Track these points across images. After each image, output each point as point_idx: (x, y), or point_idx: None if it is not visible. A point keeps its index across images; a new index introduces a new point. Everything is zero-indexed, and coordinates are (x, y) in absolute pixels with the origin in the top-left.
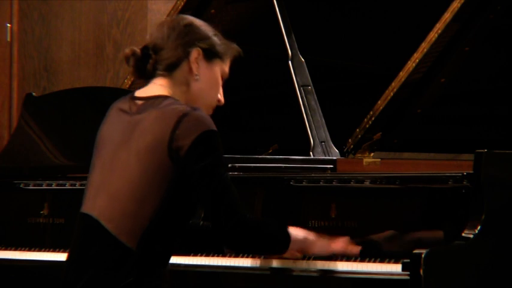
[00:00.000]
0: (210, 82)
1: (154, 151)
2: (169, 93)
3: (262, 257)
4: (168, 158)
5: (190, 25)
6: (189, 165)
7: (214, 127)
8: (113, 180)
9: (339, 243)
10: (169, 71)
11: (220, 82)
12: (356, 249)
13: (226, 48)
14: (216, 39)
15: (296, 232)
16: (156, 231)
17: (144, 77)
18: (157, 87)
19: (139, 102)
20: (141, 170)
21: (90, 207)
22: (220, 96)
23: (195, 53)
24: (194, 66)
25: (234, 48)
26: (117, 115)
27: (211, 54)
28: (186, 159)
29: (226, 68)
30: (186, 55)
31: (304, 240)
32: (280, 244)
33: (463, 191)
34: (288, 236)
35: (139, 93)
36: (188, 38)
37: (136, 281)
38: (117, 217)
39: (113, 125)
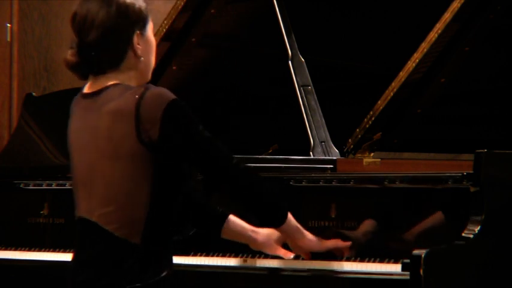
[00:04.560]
0: (150, 50)
1: (125, 147)
2: (120, 81)
3: (263, 256)
4: (142, 147)
5: (119, 14)
6: (167, 142)
7: (173, 95)
8: (97, 189)
9: (330, 242)
10: (116, 65)
11: (153, 38)
12: (346, 244)
13: (145, 8)
14: (139, 7)
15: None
16: (156, 219)
17: (93, 75)
18: (105, 79)
19: (91, 98)
20: (120, 171)
21: (86, 210)
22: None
23: (135, 39)
24: (138, 49)
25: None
26: (79, 117)
27: (144, 26)
28: (161, 138)
29: (151, 22)
30: (128, 45)
31: (298, 228)
32: (279, 209)
33: (463, 191)
34: (286, 207)
35: (88, 89)
36: (123, 29)
37: (142, 271)
38: (115, 219)
39: (77, 128)
